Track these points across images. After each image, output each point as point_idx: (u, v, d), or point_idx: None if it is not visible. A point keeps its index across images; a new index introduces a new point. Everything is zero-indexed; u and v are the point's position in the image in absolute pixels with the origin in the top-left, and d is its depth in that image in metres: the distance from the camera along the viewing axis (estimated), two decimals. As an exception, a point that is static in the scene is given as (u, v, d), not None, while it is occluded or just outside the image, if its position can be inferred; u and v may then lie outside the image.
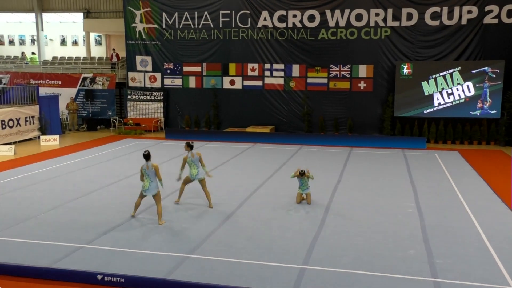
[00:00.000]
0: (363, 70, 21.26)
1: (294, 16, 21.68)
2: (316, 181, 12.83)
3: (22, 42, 30.35)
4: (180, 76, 23.65)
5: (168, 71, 23.76)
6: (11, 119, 19.17)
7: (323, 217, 9.91)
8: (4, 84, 24.29)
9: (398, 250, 8.14)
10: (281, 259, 7.72)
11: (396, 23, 20.67)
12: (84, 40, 28.31)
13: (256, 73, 22.55)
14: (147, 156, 9.40)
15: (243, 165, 15.42)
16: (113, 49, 26.43)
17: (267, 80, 22.47)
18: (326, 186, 12.51)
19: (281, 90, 22.33)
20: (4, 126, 18.76)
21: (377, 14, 20.80)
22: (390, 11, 20.62)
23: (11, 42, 30.49)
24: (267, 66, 22.37)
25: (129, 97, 24.31)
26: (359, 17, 21.00)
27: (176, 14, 23.16)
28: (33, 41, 29.71)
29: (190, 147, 10.46)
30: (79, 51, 28.73)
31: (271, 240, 8.59)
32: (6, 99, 20.40)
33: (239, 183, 12.82)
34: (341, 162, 15.89)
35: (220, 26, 22.66)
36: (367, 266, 7.45)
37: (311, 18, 21.50)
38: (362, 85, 21.37)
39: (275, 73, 22.32)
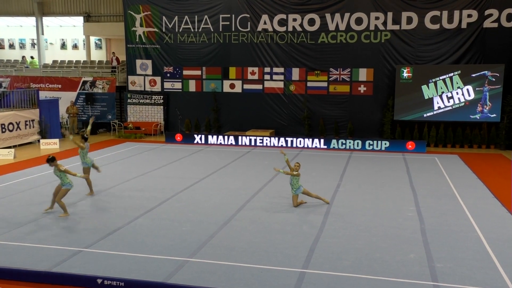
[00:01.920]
0: (363, 74, 21.29)
1: (294, 19, 21.73)
2: (316, 184, 12.83)
3: (22, 46, 30.40)
4: (180, 80, 23.67)
5: (168, 75, 23.79)
6: (11, 123, 19.18)
7: (323, 221, 9.90)
8: (4, 87, 24.32)
9: (398, 253, 8.12)
10: (281, 262, 7.71)
11: (396, 27, 20.72)
12: (84, 44, 28.35)
13: (256, 77, 22.58)
14: (49, 160, 10.17)
15: (243, 168, 15.41)
16: (113, 52, 26.47)
17: (267, 84, 22.50)
18: (326, 189, 12.49)
19: (281, 93, 22.35)
20: (4, 130, 18.76)
21: (377, 18, 20.84)
22: (390, 14, 20.66)
23: (12, 46, 30.54)
24: (267, 69, 22.39)
25: (129, 100, 24.33)
26: (359, 21, 21.04)
27: (176, 18, 23.21)
28: (33, 45, 29.76)
29: (84, 139, 11.67)
30: (79, 55, 28.76)
31: (271, 243, 8.58)
32: (6, 102, 20.41)
33: (239, 187, 12.81)
34: (341, 165, 15.89)
35: (220, 29, 22.70)
36: (367, 270, 7.44)
37: (311, 21, 21.54)
38: (362, 88, 21.39)
39: (275, 77, 22.35)
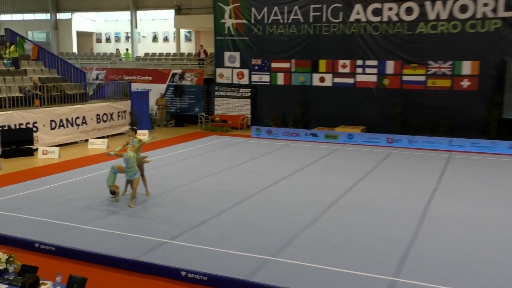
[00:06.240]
0: (467, 67, 19.42)
1: (390, 9, 20.38)
2: (412, 186, 11.79)
3: (117, 40, 31.71)
4: (268, 73, 23.20)
5: (256, 68, 23.42)
6: (105, 114, 19.82)
7: (417, 226, 8.96)
8: (100, 79, 25.36)
9: (508, 267, 7.02)
10: (371, 268, 7.04)
11: (509, 14, 18.58)
12: (174, 37, 28.91)
13: (347, 70, 21.51)
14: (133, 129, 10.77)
15: (331, 166, 14.61)
16: (201, 45, 26.65)
17: (359, 78, 21.33)
18: (422, 192, 11.43)
19: (373, 88, 21.10)
20: (99, 120, 19.42)
21: (485, 4, 18.82)
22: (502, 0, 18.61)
23: (108, 40, 31.96)
24: (359, 62, 21.23)
25: (216, 93, 24.31)
26: (463, 8, 19.20)
27: (265, 9, 22.74)
28: (127, 38, 30.89)
29: None
30: (169, 47, 29.39)
31: (360, 248, 7.90)
32: (101, 94, 21.17)
33: (328, 185, 12.08)
34: (439, 167, 14.52)
35: (310, 20, 21.90)
36: (469, 285, 6.57)
37: (409, 10, 20.07)
38: (465, 83, 19.54)
39: (367, 70, 21.14)
